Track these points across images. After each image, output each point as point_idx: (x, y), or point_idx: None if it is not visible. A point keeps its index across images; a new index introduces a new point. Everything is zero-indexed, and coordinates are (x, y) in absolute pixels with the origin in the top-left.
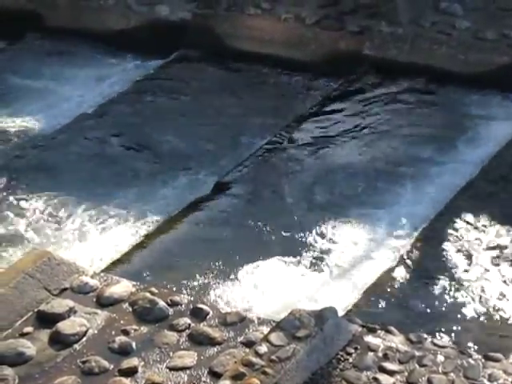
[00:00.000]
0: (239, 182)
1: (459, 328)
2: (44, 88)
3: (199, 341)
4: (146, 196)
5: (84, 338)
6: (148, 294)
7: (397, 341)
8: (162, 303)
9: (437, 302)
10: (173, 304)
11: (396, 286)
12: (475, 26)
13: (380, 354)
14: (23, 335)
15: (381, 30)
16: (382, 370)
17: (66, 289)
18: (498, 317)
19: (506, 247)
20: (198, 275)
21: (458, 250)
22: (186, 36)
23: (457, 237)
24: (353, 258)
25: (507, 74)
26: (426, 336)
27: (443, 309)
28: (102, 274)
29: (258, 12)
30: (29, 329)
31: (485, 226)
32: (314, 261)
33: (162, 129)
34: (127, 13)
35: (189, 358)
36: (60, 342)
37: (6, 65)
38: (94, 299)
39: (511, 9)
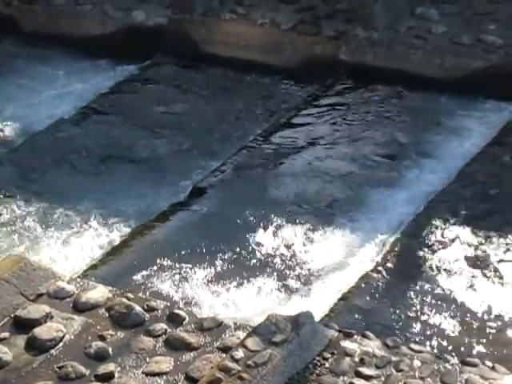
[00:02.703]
0: (216, 186)
1: (436, 333)
2: (19, 93)
3: (175, 346)
4: (122, 200)
5: (60, 344)
6: (124, 300)
7: (373, 346)
8: (138, 309)
9: (413, 307)
10: (149, 309)
11: (373, 291)
12: (451, 30)
13: (356, 359)
14: None
15: (357, 34)
16: (359, 375)
17: (42, 294)
18: (475, 322)
19: (485, 251)
20: (174, 281)
21: (437, 254)
22: (161, 41)
23: (435, 241)
24: (331, 263)
25: (482, 79)
26: (402, 341)
27: (419, 314)
28: (78, 280)
29: (234, 17)
30: (5, 334)
31: (463, 228)
32: (291, 265)
33: (138, 134)
34: (104, 18)
35: (165, 363)
36: (36, 347)
37: None
38: (71, 305)
39: (487, 13)
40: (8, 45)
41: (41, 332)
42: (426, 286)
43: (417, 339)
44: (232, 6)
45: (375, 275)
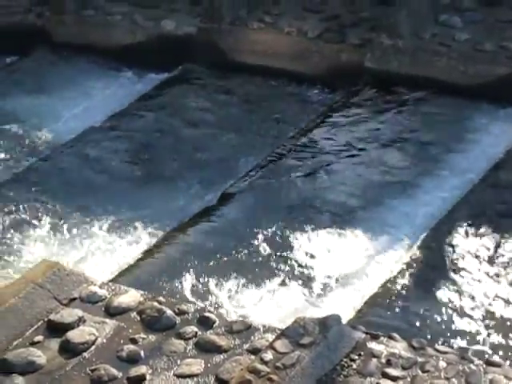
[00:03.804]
0: (244, 192)
1: (460, 334)
2: (52, 101)
3: (206, 349)
4: (153, 206)
5: (93, 347)
6: (156, 304)
7: (399, 347)
8: (169, 312)
9: (438, 310)
10: (180, 313)
11: (398, 295)
12: (474, 37)
13: (383, 360)
14: (33, 344)
15: (382, 42)
16: (386, 375)
17: (75, 298)
18: (498, 324)
19: (503, 256)
20: (204, 284)
21: (457, 259)
22: (190, 50)
23: (456, 245)
24: (355, 269)
25: (506, 85)
26: (428, 342)
27: (444, 316)
28: (110, 284)
29: (262, 26)
30: (39, 338)
31: (483, 235)
32: (317, 270)
33: (169, 141)
34: (133, 28)
35: (196, 365)
36: (70, 350)
37: (16, 78)
38: (103, 308)
39: (509, 21)
40: (40, 55)
41: (74, 336)
42: (449, 289)
43: (442, 340)
44: (259, 15)
45: (400, 280)
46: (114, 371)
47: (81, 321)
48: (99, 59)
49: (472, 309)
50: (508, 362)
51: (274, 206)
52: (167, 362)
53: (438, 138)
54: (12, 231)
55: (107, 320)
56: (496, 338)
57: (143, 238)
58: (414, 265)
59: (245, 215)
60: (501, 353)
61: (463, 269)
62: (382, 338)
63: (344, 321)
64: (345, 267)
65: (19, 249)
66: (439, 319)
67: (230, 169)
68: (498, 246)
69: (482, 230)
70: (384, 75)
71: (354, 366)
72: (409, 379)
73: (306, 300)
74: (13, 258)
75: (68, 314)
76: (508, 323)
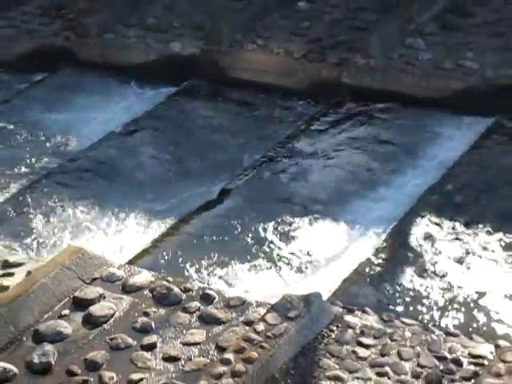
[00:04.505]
0: (240, 187)
1: (424, 309)
2: (75, 112)
3: (207, 321)
4: (162, 200)
5: (112, 319)
6: (165, 282)
7: (371, 320)
8: (176, 290)
9: (404, 288)
10: (185, 290)
11: (370, 276)
12: (435, 57)
13: (358, 331)
14: (61, 317)
15: (356, 61)
16: (360, 344)
17: (96, 278)
18: (457, 299)
19: (467, 242)
20: (206, 266)
21: (421, 245)
22: (195, 68)
23: (419, 233)
24: (333, 254)
25: (462, 98)
26: (395, 316)
27: (410, 293)
28: (126, 266)
29: (255, 47)
30: (66, 311)
31: (443, 224)
32: (302, 255)
33: (178, 144)
34: (147, 49)
35: (199, 335)
36: (92, 322)
37: (45, 92)
38: (120, 287)
39: (465, 43)
40: (66, 72)
41: (95, 310)
42: (414, 271)
43: (408, 314)
44: (253, 39)
45: (370, 263)
46: (130, 340)
47: (101, 297)
48: (117, 75)
49: (433, 287)
50: (464, 333)
51: (264, 200)
52: (174, 332)
53: (404, 143)
54: (46, 221)
55: (124, 296)
56: (454, 313)
57: (155, 226)
58: (384, 250)
59: (239, 207)
60: (458, 324)
61: (426, 252)
62: (356, 312)
63: (324, 297)
64: (325, 253)
65: (50, 236)
66: (405, 296)
67: (228, 167)
68: (462, 232)
69: (442, 219)
70: (358, 89)
71: (333, 336)
72: (379, 347)
73: (292, 280)
74: (46, 243)
75: (90, 292)
76: (465, 299)
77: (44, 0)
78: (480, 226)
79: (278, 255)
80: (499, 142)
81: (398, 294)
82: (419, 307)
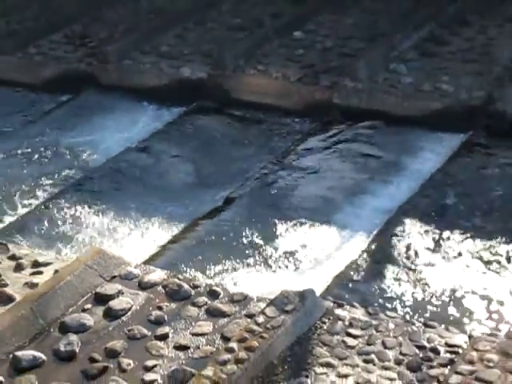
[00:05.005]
0: (243, 196)
1: (406, 303)
2: (96, 130)
3: (214, 314)
4: (176, 207)
5: (129, 313)
6: (176, 280)
7: (359, 313)
8: (186, 286)
9: (389, 285)
10: (194, 287)
11: (358, 275)
12: (416, 81)
13: (347, 323)
14: (84, 310)
15: (345, 84)
16: (348, 334)
17: (115, 276)
18: (435, 295)
19: (445, 246)
20: (213, 266)
21: (404, 248)
22: (202, 90)
23: (403, 236)
24: (325, 255)
25: (439, 117)
26: (380, 309)
27: (394, 289)
28: (142, 265)
29: (255, 72)
30: (88, 306)
31: (426, 229)
32: (297, 256)
33: (186, 158)
34: (159, 73)
35: (206, 326)
36: (111, 315)
37: (69, 112)
38: (137, 284)
39: (442, 68)
40: (88, 94)
41: (114, 304)
42: (397, 270)
43: (391, 308)
44: (254, 64)
45: (358, 263)
46: (145, 330)
47: (120, 293)
48: (134, 97)
49: (415, 283)
50: (441, 325)
51: (264, 208)
52: (185, 323)
53: (388, 156)
54: (71, 226)
55: (140, 292)
56: (433, 306)
57: (168, 230)
58: (370, 251)
59: (243, 214)
60: (435, 317)
61: (409, 254)
62: (345, 306)
63: (317, 293)
64: (317, 255)
65: (77, 238)
66: (389, 292)
67: (232, 177)
68: (439, 236)
69: (423, 224)
70: (347, 109)
71: (325, 327)
72: (366, 337)
73: (289, 278)
74: (72, 245)
75: (110, 288)
76: (442, 294)
77: (69, 30)
78: (457, 231)
79: (275, 257)
80: (472, 156)
81: (382, 291)
82: (401, 302)
